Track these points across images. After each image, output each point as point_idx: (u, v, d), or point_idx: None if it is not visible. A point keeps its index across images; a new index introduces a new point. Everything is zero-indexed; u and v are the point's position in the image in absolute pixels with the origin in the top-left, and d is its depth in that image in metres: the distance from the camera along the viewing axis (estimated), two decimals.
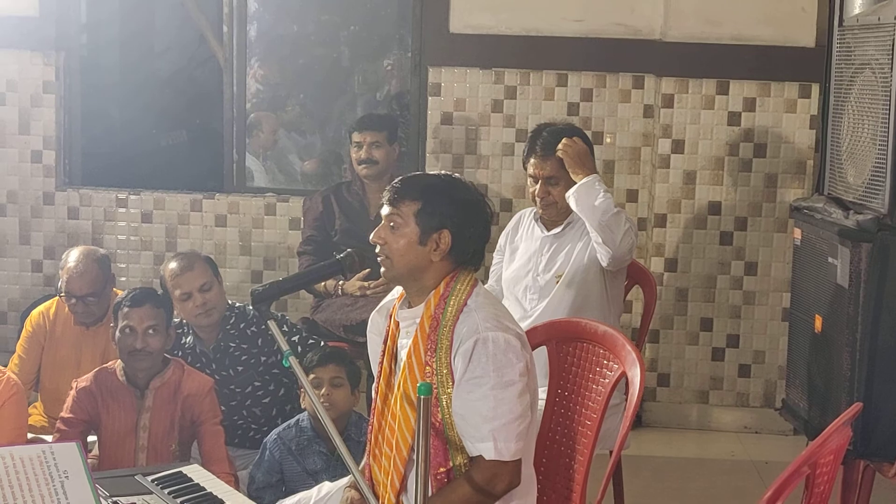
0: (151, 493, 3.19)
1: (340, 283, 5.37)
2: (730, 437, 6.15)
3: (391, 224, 3.10)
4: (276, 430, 4.29)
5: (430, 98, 6.32)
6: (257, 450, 4.53)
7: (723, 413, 6.25)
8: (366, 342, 4.27)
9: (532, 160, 4.52)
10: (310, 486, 4.09)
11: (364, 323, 5.04)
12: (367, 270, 5.21)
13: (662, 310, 6.08)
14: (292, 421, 4.27)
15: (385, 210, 3.13)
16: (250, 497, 4.17)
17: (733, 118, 6.07)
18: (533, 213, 4.65)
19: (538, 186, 4.50)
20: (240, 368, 4.64)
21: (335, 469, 4.07)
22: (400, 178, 3.19)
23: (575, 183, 4.41)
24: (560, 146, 4.43)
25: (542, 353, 3.63)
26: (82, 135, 6.75)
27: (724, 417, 6.25)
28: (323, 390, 4.10)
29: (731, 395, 6.24)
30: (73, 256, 4.79)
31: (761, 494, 5.25)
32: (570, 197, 4.39)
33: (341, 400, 4.14)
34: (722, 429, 6.23)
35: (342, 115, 7.01)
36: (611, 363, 3.44)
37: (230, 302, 4.74)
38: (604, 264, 4.40)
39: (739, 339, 6.19)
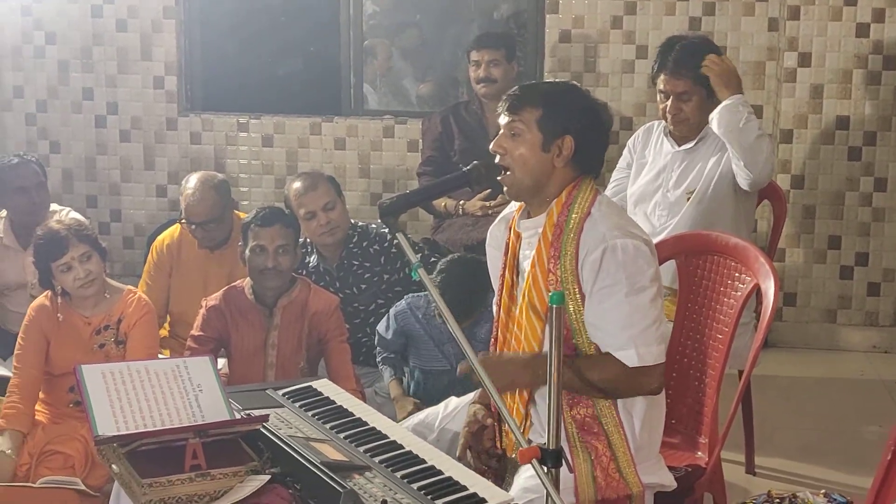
0: (283, 406, 3.22)
1: (461, 202, 5.36)
2: (858, 357, 6.04)
3: (512, 132, 3.05)
4: (406, 297, 4.36)
5: (547, 16, 6.25)
6: None
7: (851, 332, 6.13)
8: (485, 261, 4.29)
9: (663, 76, 4.38)
10: (436, 357, 4.20)
11: (484, 242, 5.05)
12: (489, 190, 5.20)
13: (788, 227, 5.96)
14: (422, 293, 4.33)
15: (504, 119, 3.07)
16: (379, 348, 4.35)
17: (861, 30, 5.88)
18: (662, 127, 4.53)
19: (669, 103, 4.37)
20: (363, 286, 4.68)
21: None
22: (517, 86, 3.14)
23: (708, 100, 4.30)
24: (707, 62, 4.29)
25: (670, 267, 3.58)
26: (202, 61, 6.82)
27: (852, 337, 6.13)
28: None
29: (860, 314, 6.12)
30: (191, 183, 4.84)
31: (892, 413, 5.19)
32: (713, 118, 4.28)
33: None
34: (850, 348, 6.12)
35: (458, 36, 6.94)
36: (743, 276, 3.37)
37: (353, 221, 4.76)
38: (744, 186, 4.29)
39: (868, 256, 6.06)
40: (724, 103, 4.26)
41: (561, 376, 2.44)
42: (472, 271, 4.16)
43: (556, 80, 3.25)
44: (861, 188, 6.00)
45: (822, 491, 3.11)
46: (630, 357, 2.95)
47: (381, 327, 4.43)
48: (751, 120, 4.23)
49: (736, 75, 4.35)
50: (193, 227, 4.83)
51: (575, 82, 3.19)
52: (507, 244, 3.20)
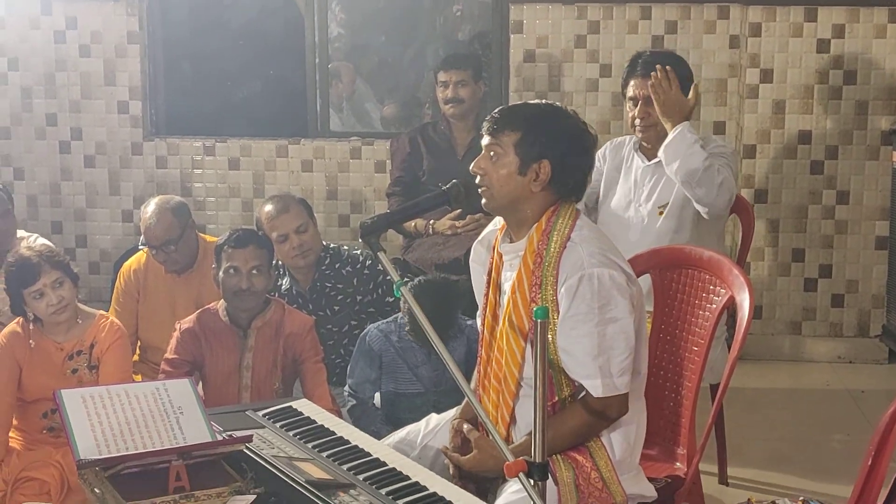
0: (264, 427, 3.22)
1: (431, 222, 5.39)
2: (823, 368, 6.11)
3: (491, 154, 3.08)
4: (373, 325, 4.36)
5: (511, 36, 6.30)
6: None
7: (816, 343, 6.20)
8: (457, 280, 4.32)
9: (633, 81, 4.45)
10: (409, 380, 4.22)
11: (455, 261, 5.11)
12: (459, 210, 5.23)
13: (753, 241, 5.96)
14: (390, 318, 4.35)
15: (485, 140, 3.11)
16: (351, 392, 4.30)
17: (822, 45, 5.98)
18: (633, 143, 4.58)
19: (638, 108, 4.43)
20: (336, 308, 4.69)
21: (436, 363, 4.17)
22: (500, 107, 3.16)
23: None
24: (653, 79, 4.33)
25: (645, 281, 3.61)
26: (167, 85, 6.81)
27: (817, 348, 6.20)
28: None
29: (825, 326, 6.19)
30: (149, 208, 4.82)
31: (858, 422, 5.25)
32: (661, 154, 4.33)
33: None
34: (815, 359, 6.19)
35: (422, 57, 6.99)
36: (717, 288, 3.41)
37: (325, 243, 4.77)
38: (704, 216, 4.34)
39: (832, 268, 6.14)
40: (667, 139, 4.30)
41: (546, 390, 2.46)
42: (442, 294, 4.19)
43: (542, 101, 3.22)
44: (824, 201, 6.08)
45: (801, 498, 3.15)
46: (595, 387, 3.00)
47: (357, 377, 4.32)
48: (694, 150, 4.24)
49: (679, 103, 4.34)
50: (154, 251, 4.81)
51: (558, 104, 3.18)
52: (491, 263, 3.22)
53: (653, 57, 4.45)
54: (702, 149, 4.26)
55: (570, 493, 3.00)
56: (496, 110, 3.14)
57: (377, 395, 4.38)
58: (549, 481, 2.55)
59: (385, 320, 4.38)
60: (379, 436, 4.18)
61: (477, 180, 3.09)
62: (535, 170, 3.05)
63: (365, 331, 4.37)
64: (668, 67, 4.36)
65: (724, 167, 4.29)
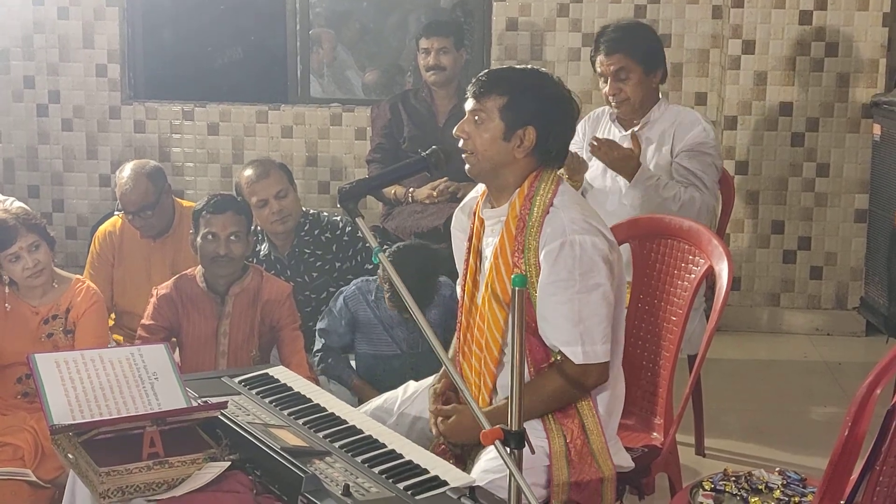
0: (240, 393, 3.21)
1: (411, 190, 5.37)
2: (801, 340, 6.13)
3: (475, 118, 3.05)
4: (354, 282, 4.36)
5: (494, 4, 6.27)
6: None
7: (794, 315, 6.21)
8: (437, 249, 4.30)
9: (598, 58, 4.43)
10: (385, 341, 4.24)
11: (434, 230, 5.09)
12: (444, 179, 5.22)
13: (733, 213, 5.97)
14: (372, 278, 4.36)
15: (469, 104, 3.08)
16: (320, 334, 4.33)
17: (804, 17, 5.96)
18: (610, 114, 4.57)
19: (609, 85, 4.41)
20: (315, 275, 4.67)
21: (413, 325, 4.16)
22: (486, 71, 3.14)
23: (647, 77, 4.39)
24: (593, 146, 4.31)
25: (624, 251, 3.60)
26: (145, 49, 6.75)
27: (795, 320, 6.21)
28: None
29: (803, 298, 6.20)
30: (124, 172, 4.77)
31: (835, 394, 5.27)
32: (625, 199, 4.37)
33: None
34: (793, 331, 6.21)
35: (404, 24, 6.95)
36: (696, 258, 3.40)
37: (304, 209, 4.75)
38: None
39: (811, 241, 6.14)
40: (626, 191, 4.32)
41: (524, 359, 2.45)
42: (423, 258, 4.17)
43: (528, 66, 3.21)
44: (804, 174, 6.08)
45: (778, 469, 3.16)
46: (576, 354, 2.98)
47: (327, 324, 4.37)
48: (662, 195, 4.24)
49: (623, 156, 4.29)
50: (130, 216, 4.78)
51: (545, 70, 3.17)
52: (471, 229, 3.20)
53: (614, 31, 4.42)
54: (665, 187, 4.26)
55: (561, 461, 3.00)
56: (482, 73, 3.12)
57: (353, 361, 4.38)
58: (537, 448, 2.53)
59: (366, 278, 4.37)
60: (346, 382, 4.28)
61: (460, 144, 3.07)
62: (519, 135, 3.03)
63: (345, 288, 4.37)
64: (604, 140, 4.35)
65: (709, 167, 4.32)
